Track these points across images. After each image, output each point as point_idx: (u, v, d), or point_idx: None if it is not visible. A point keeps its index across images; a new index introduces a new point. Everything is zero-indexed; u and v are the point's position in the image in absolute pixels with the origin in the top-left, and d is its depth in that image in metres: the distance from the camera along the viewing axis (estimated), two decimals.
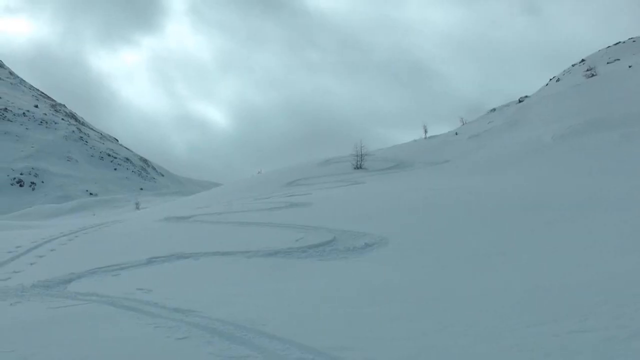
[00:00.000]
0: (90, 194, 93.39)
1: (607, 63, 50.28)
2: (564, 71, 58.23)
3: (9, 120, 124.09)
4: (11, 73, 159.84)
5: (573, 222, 11.56)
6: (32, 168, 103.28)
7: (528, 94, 56.99)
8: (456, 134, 45.43)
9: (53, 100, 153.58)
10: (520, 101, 55.09)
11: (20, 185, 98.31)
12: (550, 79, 58.77)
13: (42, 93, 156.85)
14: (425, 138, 48.69)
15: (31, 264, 11.56)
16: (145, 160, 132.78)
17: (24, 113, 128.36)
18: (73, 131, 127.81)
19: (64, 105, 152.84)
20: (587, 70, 46.53)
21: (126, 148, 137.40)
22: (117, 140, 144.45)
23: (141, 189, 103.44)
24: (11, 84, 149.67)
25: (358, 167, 36.27)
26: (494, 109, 59.90)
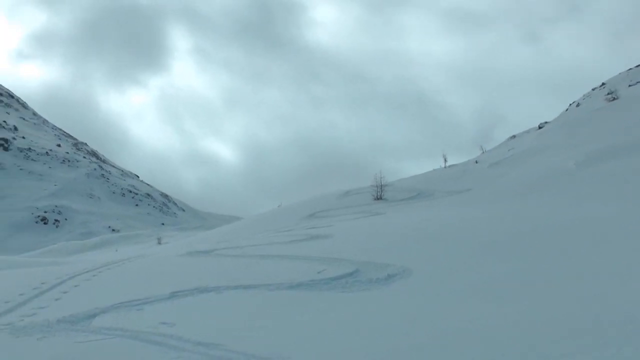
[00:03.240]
0: (113, 230, 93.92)
1: (629, 86, 50.00)
2: (584, 95, 58.00)
3: (32, 159, 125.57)
4: (34, 114, 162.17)
5: (603, 249, 11.43)
6: (56, 206, 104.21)
7: (547, 120, 56.75)
8: (476, 162, 45.27)
9: (75, 139, 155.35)
10: (540, 127, 54.89)
11: (45, 223, 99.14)
12: (570, 104, 58.56)
13: (64, 132, 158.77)
14: (445, 167, 48.54)
15: (56, 299, 11.63)
16: (166, 196, 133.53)
17: (47, 152, 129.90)
18: (95, 169, 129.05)
19: (85, 143, 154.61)
20: (608, 94, 46.24)
21: (147, 184, 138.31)
22: (138, 177, 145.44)
23: (163, 224, 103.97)
24: (34, 124, 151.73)
25: (378, 197, 36.17)
26: (514, 136, 59.70)
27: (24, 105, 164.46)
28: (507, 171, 34.78)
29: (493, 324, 7.11)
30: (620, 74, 58.54)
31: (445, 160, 50.46)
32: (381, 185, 36.80)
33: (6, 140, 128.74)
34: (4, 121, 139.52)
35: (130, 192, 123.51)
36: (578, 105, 54.66)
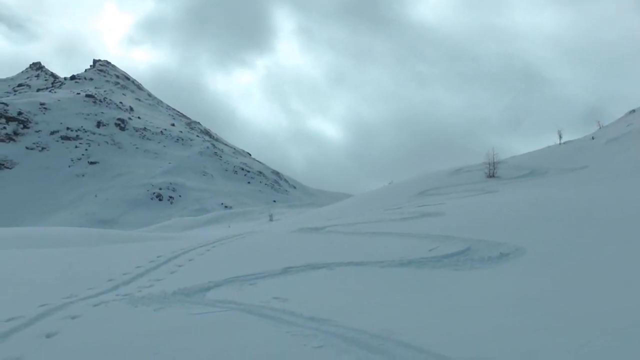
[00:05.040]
0: (225, 206, 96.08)
1: None
2: None
3: (148, 139, 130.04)
4: (149, 95, 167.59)
5: None
6: (170, 183, 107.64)
7: None
8: (592, 138, 43.63)
9: (188, 118, 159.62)
10: None
11: (160, 200, 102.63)
12: None
13: (178, 112, 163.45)
14: (560, 144, 46.98)
15: (171, 272, 11.99)
16: (277, 173, 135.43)
17: (161, 132, 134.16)
18: (207, 147, 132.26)
19: (198, 122, 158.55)
20: None
21: (259, 162, 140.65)
22: (250, 155, 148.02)
23: (274, 201, 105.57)
24: (149, 104, 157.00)
25: (490, 175, 35.47)
26: (633, 110, 57.13)
27: (139, 87, 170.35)
28: (626, 147, 33.35)
29: (608, 308, 6.77)
30: None
31: (560, 137, 48.73)
32: (494, 163, 36.06)
33: (123, 121, 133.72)
34: (121, 102, 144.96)
35: (242, 169, 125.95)
36: None
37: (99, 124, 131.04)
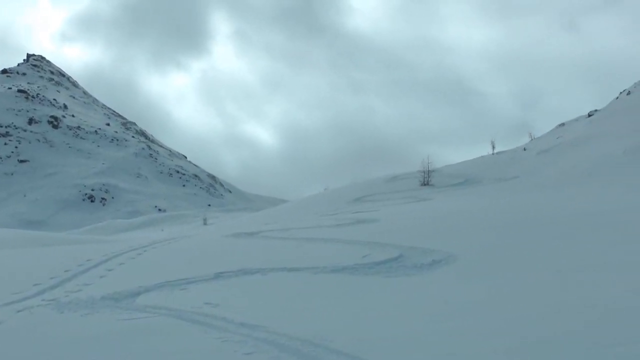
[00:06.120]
0: (159, 209, 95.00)
1: None
2: (635, 84, 56.68)
3: (81, 138, 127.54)
4: (85, 92, 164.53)
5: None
6: (103, 184, 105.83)
7: (597, 109, 55.61)
8: (524, 149, 44.62)
9: (124, 118, 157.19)
10: (589, 115, 53.89)
11: (92, 201, 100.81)
12: (621, 92, 57.27)
13: (114, 111, 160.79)
14: (493, 154, 47.87)
15: (101, 277, 11.76)
16: (213, 177, 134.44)
17: (96, 131, 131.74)
18: (143, 148, 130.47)
19: (134, 123, 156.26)
20: None
21: (194, 165, 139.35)
22: (186, 157, 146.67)
23: (209, 205, 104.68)
24: (85, 103, 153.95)
25: (425, 183, 35.92)
26: (563, 124, 58.62)
27: (74, 84, 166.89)
28: (556, 159, 34.23)
29: (535, 312, 6.90)
30: None
31: (494, 147, 49.61)
32: (428, 171, 36.53)
33: (56, 118, 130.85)
34: (55, 99, 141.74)
35: (178, 172, 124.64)
36: (629, 93, 53.41)
37: (30, 121, 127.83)
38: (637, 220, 13.34)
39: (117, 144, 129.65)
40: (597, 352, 5.19)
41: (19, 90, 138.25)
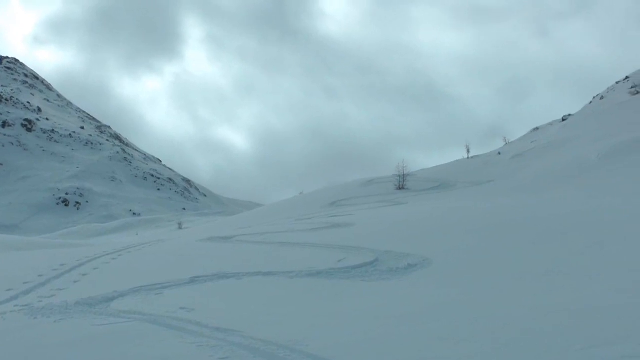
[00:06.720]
0: (134, 213, 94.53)
1: None
2: (608, 89, 57.45)
3: (56, 141, 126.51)
4: (59, 96, 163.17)
5: (625, 241, 11.25)
6: (78, 188, 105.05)
7: (571, 113, 56.22)
8: (499, 153, 44.98)
9: (98, 122, 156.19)
10: (563, 119, 54.45)
11: (66, 205, 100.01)
12: (594, 97, 58.01)
13: (89, 115, 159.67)
14: (468, 158, 48.19)
15: (75, 281, 11.66)
16: (188, 181, 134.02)
17: (70, 134, 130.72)
18: (117, 152, 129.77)
19: (109, 126, 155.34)
20: (632, 87, 45.88)
21: (169, 169, 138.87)
22: (161, 161, 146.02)
23: (184, 209, 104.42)
24: (59, 106, 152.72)
25: (400, 187, 36.07)
26: (537, 128, 59.19)
27: (48, 87, 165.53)
28: (530, 163, 34.54)
29: (511, 315, 6.95)
30: None
31: (468, 151, 49.94)
32: (403, 175, 36.69)
33: (30, 122, 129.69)
34: (28, 102, 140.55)
35: (153, 176, 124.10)
36: (602, 98, 54.09)
37: (4, 124, 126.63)
38: (612, 222, 13.50)
39: (92, 148, 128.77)
40: (571, 354, 5.24)
41: None
